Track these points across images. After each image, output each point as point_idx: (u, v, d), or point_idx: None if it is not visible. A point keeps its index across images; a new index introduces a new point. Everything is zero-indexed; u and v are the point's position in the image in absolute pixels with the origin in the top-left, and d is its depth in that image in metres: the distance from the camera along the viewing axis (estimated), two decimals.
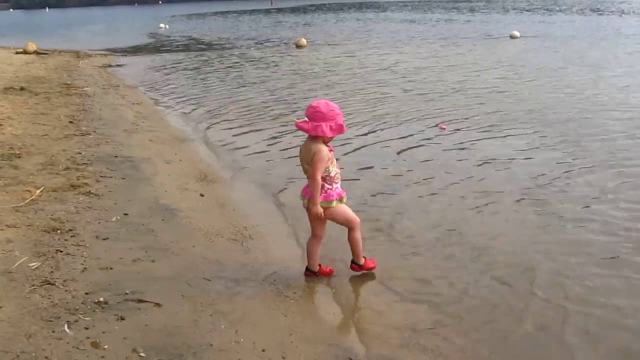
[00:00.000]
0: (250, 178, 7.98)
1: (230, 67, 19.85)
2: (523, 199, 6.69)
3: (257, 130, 10.75)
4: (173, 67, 20.05)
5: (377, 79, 15.91)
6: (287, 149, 9.24)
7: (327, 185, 4.62)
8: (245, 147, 9.62)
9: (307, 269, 4.93)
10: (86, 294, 4.18)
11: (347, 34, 31.55)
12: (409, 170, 7.89)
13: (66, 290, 4.20)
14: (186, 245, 5.31)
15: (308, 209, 4.67)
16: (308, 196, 4.64)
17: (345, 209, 4.76)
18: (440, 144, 9.16)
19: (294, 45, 25.48)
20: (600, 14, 41.90)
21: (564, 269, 5.02)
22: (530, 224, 6.04)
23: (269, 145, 9.68)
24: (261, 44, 27.25)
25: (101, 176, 7.11)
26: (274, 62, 20.79)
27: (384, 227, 6.02)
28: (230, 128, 11.05)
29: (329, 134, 4.48)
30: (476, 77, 15.73)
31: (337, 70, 18.04)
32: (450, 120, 10.59)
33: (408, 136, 9.70)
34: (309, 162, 4.53)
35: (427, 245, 5.60)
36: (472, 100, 12.40)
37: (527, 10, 49.74)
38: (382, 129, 10.24)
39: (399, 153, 8.75)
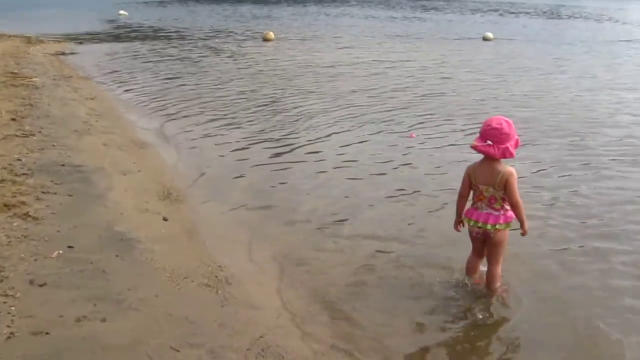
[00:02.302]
0: (223, 195, 6.89)
1: (195, 59, 18.50)
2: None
3: (228, 133, 9.71)
4: (133, 57, 18.52)
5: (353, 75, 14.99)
6: (263, 156, 8.48)
7: (506, 206, 4.42)
8: (216, 153, 8.58)
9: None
10: None
11: (315, 28, 30.43)
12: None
13: None
14: (147, 295, 4.20)
15: (485, 233, 4.46)
16: (490, 221, 4.40)
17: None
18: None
19: (262, 39, 24.27)
20: (560, 18, 42.64)
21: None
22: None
23: (242, 151, 8.68)
24: (226, 35, 25.90)
25: (43, 192, 5.91)
26: (241, 55, 19.54)
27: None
28: (198, 130, 9.88)
29: (514, 154, 4.25)
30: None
31: (308, 67, 17.05)
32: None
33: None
34: (494, 184, 4.31)
35: None
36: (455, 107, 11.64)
37: (495, 11, 49.78)
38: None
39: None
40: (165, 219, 5.83)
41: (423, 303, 4.59)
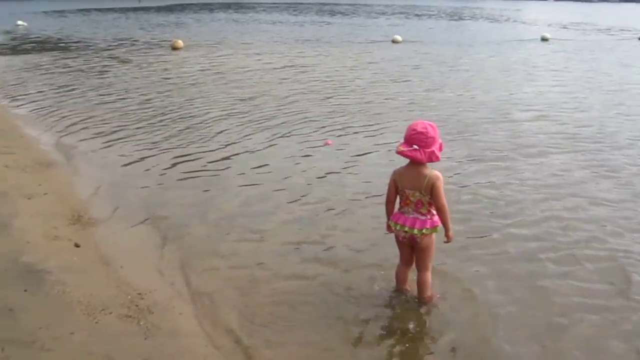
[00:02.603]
0: (137, 213, 6.55)
1: (100, 69, 17.76)
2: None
3: (137, 145, 9.37)
4: (33, 71, 17.52)
5: (262, 80, 14.83)
6: (172, 167, 8.29)
7: (432, 211, 4.39)
8: (125, 168, 8.28)
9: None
10: None
11: (223, 34, 30.00)
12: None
13: None
14: (62, 333, 3.90)
15: (412, 238, 4.43)
16: (417, 226, 4.37)
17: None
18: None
19: (170, 47, 23.66)
20: (463, 19, 44.49)
21: None
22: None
23: (153, 165, 8.37)
24: (132, 44, 25.08)
25: None
26: (148, 64, 18.93)
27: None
28: (105, 144, 9.47)
29: (440, 158, 4.29)
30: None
31: (217, 74, 16.80)
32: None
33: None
34: (421, 188, 4.29)
35: None
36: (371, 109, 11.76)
37: (401, 14, 51.00)
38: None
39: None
40: (77, 245, 5.47)
41: (355, 318, 4.51)
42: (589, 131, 10.41)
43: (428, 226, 4.38)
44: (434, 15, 52.13)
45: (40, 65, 18.50)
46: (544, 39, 27.86)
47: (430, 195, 4.30)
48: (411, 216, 4.39)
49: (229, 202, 6.92)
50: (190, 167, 8.25)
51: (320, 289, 4.93)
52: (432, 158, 4.23)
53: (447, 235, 4.43)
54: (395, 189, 4.45)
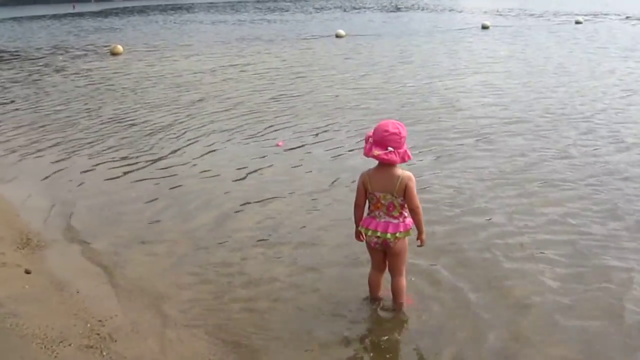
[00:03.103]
0: (88, 231, 6.23)
1: (37, 80, 17.03)
2: None
3: (86, 160, 8.92)
4: None
5: (210, 85, 14.51)
6: (126, 181, 7.95)
7: (405, 213, 4.24)
8: (69, 182, 7.91)
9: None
10: None
11: (162, 37, 29.40)
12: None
13: None
14: None
15: (385, 243, 4.25)
16: (389, 230, 4.19)
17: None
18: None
19: (109, 53, 22.97)
20: (400, 11, 45.23)
21: None
22: None
23: (103, 178, 8.02)
24: (69, 51, 24.27)
25: None
26: (86, 71, 18.32)
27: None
28: (46, 158, 9.06)
29: (411, 156, 4.18)
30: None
31: (159, 78, 16.43)
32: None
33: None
34: (393, 191, 4.13)
35: None
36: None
37: (338, 8, 51.15)
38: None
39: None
40: (27, 272, 5.13)
41: (328, 327, 4.34)
42: (538, 113, 10.65)
43: (401, 229, 4.23)
44: (371, 7, 52.46)
45: None
46: (484, 27, 28.31)
47: (403, 197, 4.16)
48: (382, 220, 4.23)
49: (186, 214, 6.64)
50: (143, 178, 7.94)
51: (291, 294, 4.78)
52: (405, 158, 4.11)
53: (420, 238, 4.33)
54: (365, 192, 4.27)
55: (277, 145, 9.28)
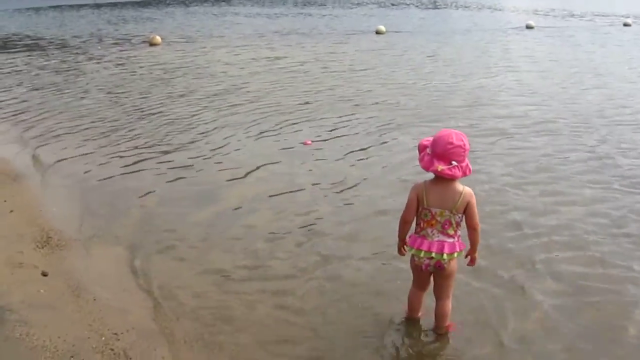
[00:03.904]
0: (112, 231, 5.96)
1: (74, 70, 16.92)
2: None
3: (117, 156, 8.56)
4: (5, 72, 16.70)
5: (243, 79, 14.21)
6: (150, 174, 7.74)
7: (459, 232, 3.92)
8: (103, 182, 7.50)
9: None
10: None
11: (199, 29, 29.15)
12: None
13: None
14: None
15: (438, 265, 3.90)
16: (446, 250, 3.84)
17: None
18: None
19: (148, 43, 22.86)
20: (438, 8, 44.58)
21: None
22: None
23: (132, 178, 7.66)
24: (109, 41, 24.24)
25: None
26: (127, 62, 18.18)
27: None
28: (80, 155, 8.65)
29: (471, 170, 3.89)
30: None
31: (199, 71, 16.09)
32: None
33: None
34: (452, 207, 3.81)
35: None
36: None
37: (376, 4, 50.52)
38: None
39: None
40: (44, 274, 4.88)
41: (365, 352, 3.99)
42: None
43: (458, 249, 3.89)
44: (410, 4, 51.64)
45: (8, 65, 17.63)
46: (528, 27, 27.45)
47: (462, 214, 3.84)
48: (436, 239, 3.87)
49: (215, 215, 6.34)
50: (177, 177, 7.62)
51: (324, 319, 4.42)
52: (467, 172, 3.78)
53: (472, 257, 4.00)
54: (417, 206, 3.90)
55: (305, 143, 8.93)
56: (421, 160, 3.83)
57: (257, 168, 7.86)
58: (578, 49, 20.50)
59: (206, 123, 10.23)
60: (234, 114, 10.87)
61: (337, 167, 7.85)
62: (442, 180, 3.79)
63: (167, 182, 7.43)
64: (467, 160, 3.78)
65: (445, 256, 3.85)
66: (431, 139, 3.84)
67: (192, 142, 9.15)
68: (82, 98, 12.56)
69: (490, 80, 14.25)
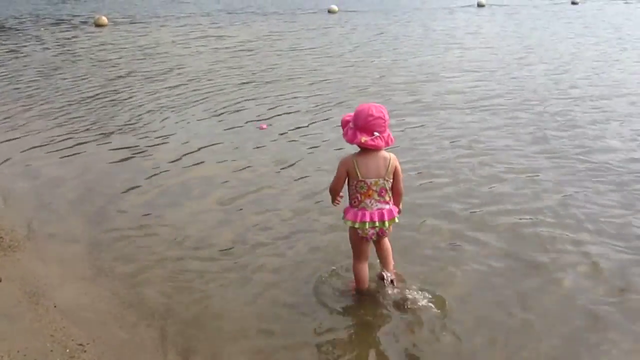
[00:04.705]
0: (69, 227, 5.62)
1: (15, 52, 16.07)
2: None
3: (68, 141, 8.19)
4: None
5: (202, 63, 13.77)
6: (101, 159, 7.51)
7: (390, 196, 4.13)
8: (55, 171, 7.09)
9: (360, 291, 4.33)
10: None
11: (145, 9, 28.18)
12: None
13: None
14: None
15: (382, 232, 4.14)
16: (386, 217, 4.05)
17: None
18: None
19: (93, 24, 21.93)
20: None
21: None
22: None
23: (87, 165, 7.31)
24: (51, 21, 23.14)
25: None
26: (70, 43, 17.39)
27: None
28: (28, 143, 8.17)
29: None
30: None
31: (150, 53, 15.52)
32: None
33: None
34: (385, 175, 4.01)
35: None
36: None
37: None
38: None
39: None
40: None
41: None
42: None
43: (395, 213, 4.14)
44: None
45: None
46: (480, 5, 27.59)
47: (392, 179, 4.06)
48: (376, 209, 4.05)
49: (180, 204, 6.10)
50: (124, 156, 7.44)
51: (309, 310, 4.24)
52: (389, 142, 4.00)
53: (398, 210, 4.25)
54: (345, 179, 4.09)
55: (261, 127, 8.75)
56: (345, 134, 4.03)
57: (199, 149, 7.74)
58: (525, 25, 20.78)
59: (144, 105, 10.05)
60: (177, 95, 10.75)
61: (280, 146, 7.92)
62: (369, 151, 3.97)
63: (112, 168, 7.17)
64: (388, 131, 3.97)
65: (387, 223, 4.06)
66: (351, 115, 4.02)
67: (133, 124, 8.99)
68: (32, 82, 12.00)
69: (435, 58, 14.58)
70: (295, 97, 10.53)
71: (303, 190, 6.37)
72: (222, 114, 9.52)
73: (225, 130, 8.66)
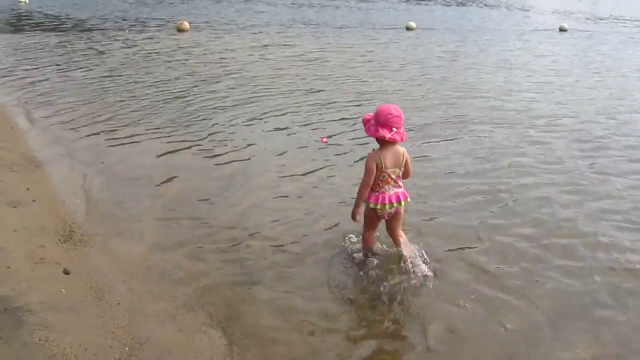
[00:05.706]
0: (140, 227, 5.68)
1: (102, 53, 16.71)
2: None
3: (139, 138, 8.45)
4: (31, 53, 16.33)
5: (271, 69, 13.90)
6: (182, 164, 7.49)
7: (401, 183, 4.91)
8: (134, 171, 7.24)
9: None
10: None
11: (228, 17, 28.91)
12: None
13: None
14: None
15: (397, 212, 4.91)
16: (402, 198, 4.84)
17: None
18: None
19: (175, 29, 22.62)
20: (465, 5, 44.14)
21: None
22: None
23: (157, 159, 7.51)
24: (137, 25, 24.01)
25: None
26: (153, 47, 17.96)
27: None
28: (110, 140, 8.44)
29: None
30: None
31: (228, 59, 15.79)
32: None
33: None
34: (400, 164, 4.78)
35: None
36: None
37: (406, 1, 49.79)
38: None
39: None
40: (66, 272, 4.64)
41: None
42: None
43: (407, 195, 4.91)
44: (438, 1, 50.81)
45: (41, 47, 17.43)
46: (562, 30, 26.80)
47: (403, 168, 4.80)
48: (392, 192, 4.81)
49: (258, 214, 6.04)
50: (212, 167, 7.41)
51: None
52: (403, 137, 4.69)
53: None
54: (375, 171, 4.72)
55: (322, 141, 8.62)
56: (368, 129, 4.71)
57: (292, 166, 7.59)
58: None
59: (238, 117, 9.89)
60: (257, 102, 10.86)
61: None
62: (389, 145, 4.70)
63: (196, 172, 7.21)
64: (402, 128, 4.65)
65: (403, 203, 4.86)
66: (372, 114, 4.72)
67: (226, 133, 8.90)
68: (116, 83, 12.38)
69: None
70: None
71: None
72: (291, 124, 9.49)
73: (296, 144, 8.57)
